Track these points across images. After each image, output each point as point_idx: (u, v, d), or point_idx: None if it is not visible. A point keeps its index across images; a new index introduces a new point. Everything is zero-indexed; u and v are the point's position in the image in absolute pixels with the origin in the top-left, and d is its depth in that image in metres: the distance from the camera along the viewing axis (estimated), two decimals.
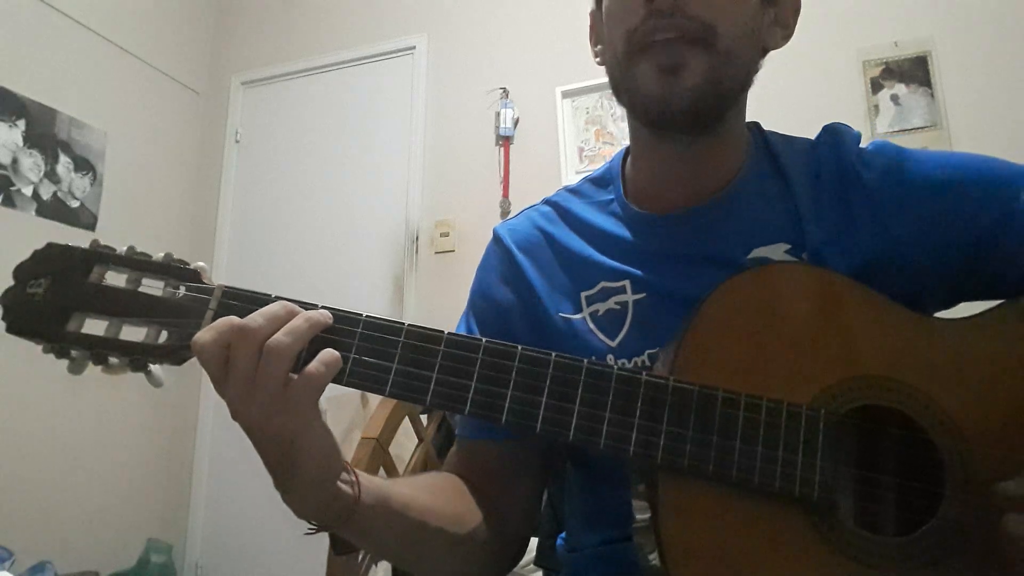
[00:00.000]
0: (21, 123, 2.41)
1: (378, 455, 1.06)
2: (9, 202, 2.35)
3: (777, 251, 0.62)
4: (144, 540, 2.67)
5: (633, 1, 0.58)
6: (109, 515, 2.60)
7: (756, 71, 0.64)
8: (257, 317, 0.46)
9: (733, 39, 0.58)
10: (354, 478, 0.52)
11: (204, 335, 0.46)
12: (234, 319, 0.46)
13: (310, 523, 0.51)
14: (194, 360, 0.48)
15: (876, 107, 2.24)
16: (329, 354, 0.47)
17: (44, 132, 2.49)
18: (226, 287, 0.51)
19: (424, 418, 1.27)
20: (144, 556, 2.63)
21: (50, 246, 0.51)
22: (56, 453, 2.42)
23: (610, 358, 0.63)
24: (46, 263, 0.50)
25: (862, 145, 0.66)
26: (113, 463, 2.65)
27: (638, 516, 0.54)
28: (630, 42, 0.59)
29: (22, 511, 2.26)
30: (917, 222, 0.60)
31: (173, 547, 2.75)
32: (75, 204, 2.58)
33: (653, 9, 0.56)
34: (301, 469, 0.47)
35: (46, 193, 2.48)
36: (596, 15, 0.69)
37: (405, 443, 1.24)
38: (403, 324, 0.51)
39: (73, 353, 0.49)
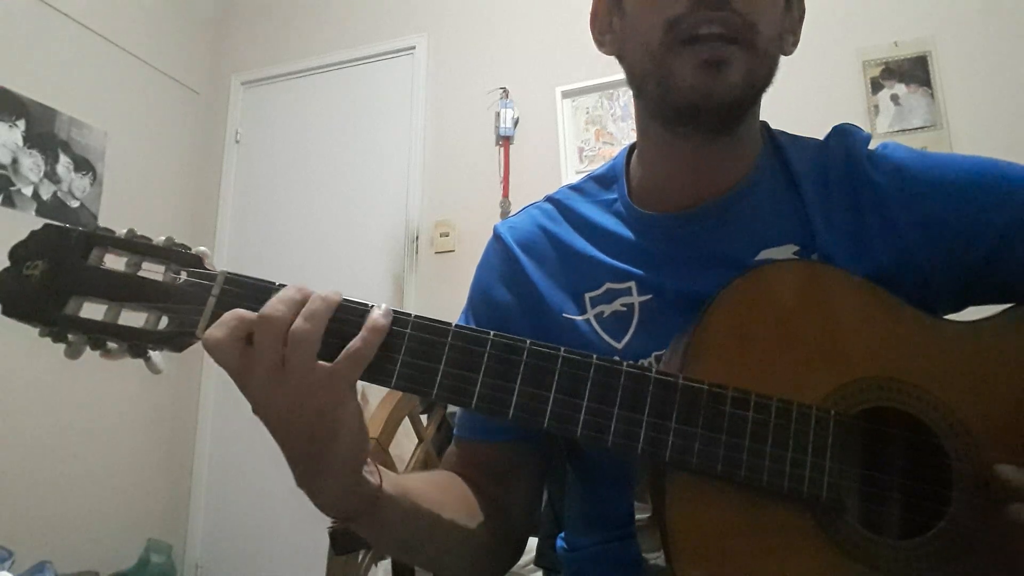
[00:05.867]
0: (21, 123, 2.41)
1: (378, 455, 1.06)
2: (9, 202, 2.34)
3: (785, 252, 0.62)
4: (144, 540, 2.67)
5: None
6: (109, 515, 2.60)
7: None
8: (279, 305, 0.46)
9: (769, 40, 0.59)
10: (373, 468, 0.52)
11: (216, 332, 0.45)
12: (242, 312, 0.46)
13: (333, 517, 0.51)
14: (194, 352, 0.48)
15: (876, 107, 2.24)
16: (371, 326, 0.47)
17: (44, 132, 2.49)
18: (229, 273, 0.50)
19: (424, 418, 1.27)
20: (144, 556, 2.63)
21: (47, 227, 0.50)
22: (56, 453, 2.41)
23: None
24: (43, 244, 0.49)
25: (871, 146, 0.66)
26: (113, 463, 2.65)
27: (639, 516, 0.54)
28: (671, 33, 0.57)
29: (22, 511, 2.26)
30: (928, 225, 0.60)
31: (173, 547, 2.75)
32: (75, 204, 2.58)
33: (701, 1, 0.56)
34: (333, 451, 0.47)
35: (46, 193, 2.48)
36: (605, 8, 0.67)
37: (405, 443, 1.24)
38: (410, 316, 0.50)
39: (70, 337, 0.48)
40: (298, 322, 0.45)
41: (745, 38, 0.56)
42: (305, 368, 0.45)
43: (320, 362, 0.46)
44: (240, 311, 0.46)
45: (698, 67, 0.57)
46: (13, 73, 2.38)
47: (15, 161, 2.38)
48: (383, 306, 0.49)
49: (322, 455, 0.47)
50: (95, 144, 2.68)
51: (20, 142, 2.40)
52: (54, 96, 2.52)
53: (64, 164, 2.55)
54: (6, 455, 2.24)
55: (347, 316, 0.49)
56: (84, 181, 2.62)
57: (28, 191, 2.42)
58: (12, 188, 2.36)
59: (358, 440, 0.49)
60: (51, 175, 2.50)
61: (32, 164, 2.44)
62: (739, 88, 0.57)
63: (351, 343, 0.47)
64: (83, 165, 2.62)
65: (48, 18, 2.54)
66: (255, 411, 0.46)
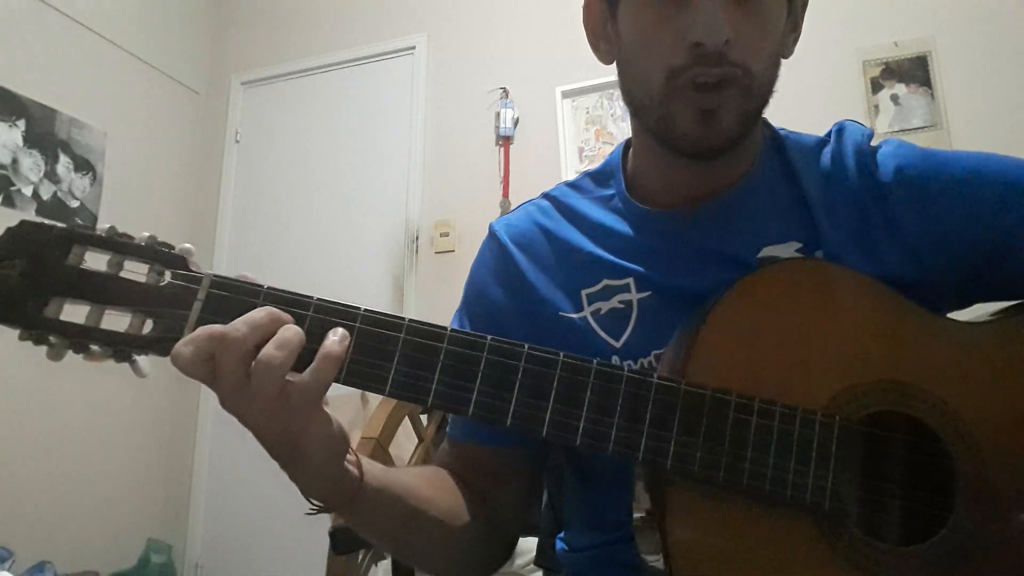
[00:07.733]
0: (21, 123, 2.41)
1: (378, 455, 1.06)
2: (9, 202, 2.34)
3: (788, 250, 0.61)
4: (144, 540, 2.67)
5: (676, 39, 0.57)
6: (109, 515, 2.60)
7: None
8: (240, 326, 0.44)
9: (764, 76, 0.59)
10: (356, 459, 0.52)
11: (182, 349, 0.43)
12: (213, 329, 0.44)
13: (312, 503, 0.51)
14: None
15: (876, 107, 2.24)
16: (325, 358, 0.45)
17: (44, 132, 2.49)
18: (215, 276, 0.47)
19: (424, 418, 1.27)
20: (144, 556, 2.63)
21: (23, 224, 0.46)
22: (56, 453, 2.41)
23: (615, 359, 0.61)
24: (20, 242, 0.46)
25: (874, 143, 0.65)
26: (113, 463, 2.65)
27: (636, 515, 0.53)
28: (671, 82, 0.57)
29: (22, 511, 2.26)
30: (933, 223, 0.59)
31: (173, 547, 2.75)
32: (75, 204, 2.58)
33: (700, 55, 0.56)
34: (305, 459, 0.47)
35: (46, 193, 2.47)
36: (600, 11, 0.66)
37: (405, 443, 1.24)
38: (404, 320, 0.48)
39: (52, 339, 0.46)
40: (268, 348, 0.44)
41: (741, 83, 0.57)
42: (269, 394, 0.44)
43: (288, 378, 0.44)
44: (211, 328, 0.44)
45: (695, 117, 0.57)
46: (13, 73, 2.38)
47: (15, 161, 2.38)
48: (339, 331, 0.46)
49: (295, 460, 0.47)
50: (95, 144, 2.68)
51: (20, 142, 2.40)
52: (54, 96, 2.52)
53: (64, 164, 2.55)
54: (6, 455, 2.24)
55: (326, 319, 0.47)
56: (84, 181, 2.62)
57: (28, 191, 2.42)
58: (12, 188, 2.36)
59: (330, 449, 0.48)
60: (51, 175, 2.50)
61: (32, 164, 2.44)
62: (735, 131, 0.58)
63: (303, 375, 0.45)
64: (83, 165, 2.62)
65: (48, 18, 2.54)
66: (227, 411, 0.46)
